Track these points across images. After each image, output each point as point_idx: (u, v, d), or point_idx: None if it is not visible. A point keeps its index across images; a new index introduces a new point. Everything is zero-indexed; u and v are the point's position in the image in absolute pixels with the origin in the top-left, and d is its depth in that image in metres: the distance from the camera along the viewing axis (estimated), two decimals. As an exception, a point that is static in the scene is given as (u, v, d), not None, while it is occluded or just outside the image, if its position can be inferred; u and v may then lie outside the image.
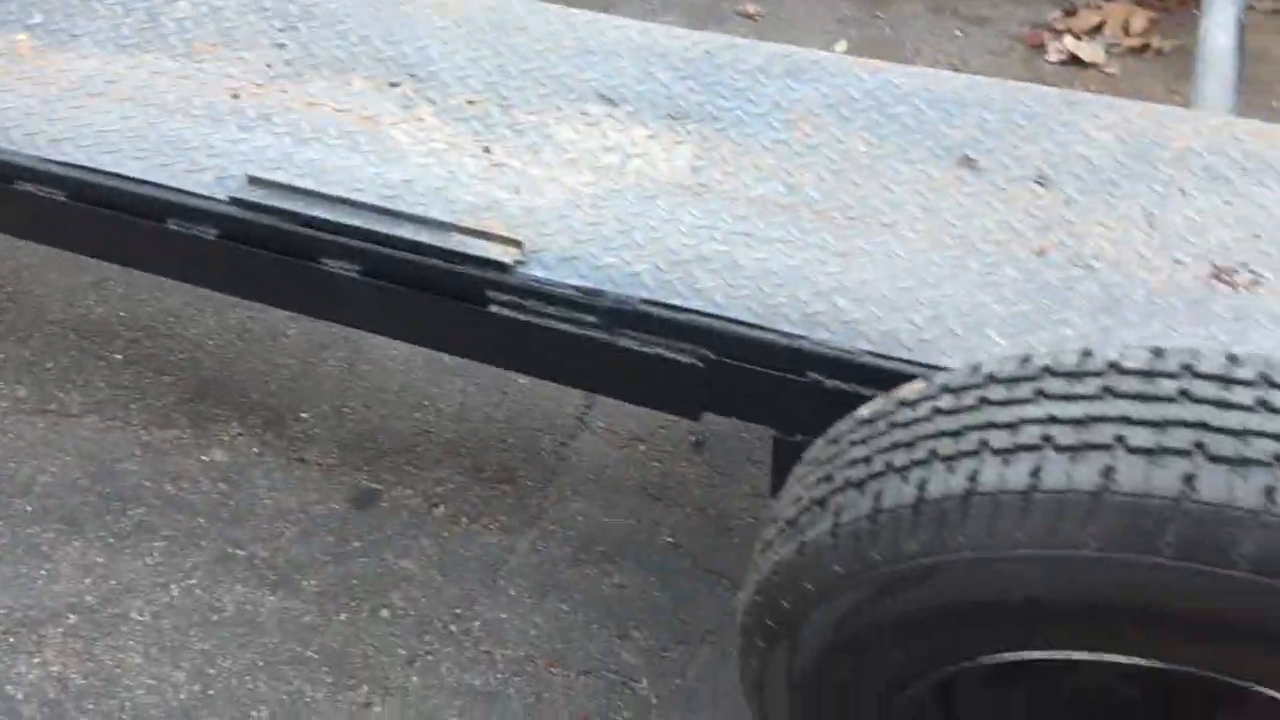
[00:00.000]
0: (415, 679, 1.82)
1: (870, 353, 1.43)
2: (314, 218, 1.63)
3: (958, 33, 3.20)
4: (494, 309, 1.56)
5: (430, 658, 1.85)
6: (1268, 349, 1.37)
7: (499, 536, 2.00)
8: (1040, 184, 1.64)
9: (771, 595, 1.22)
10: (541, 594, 1.92)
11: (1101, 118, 1.71)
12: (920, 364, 1.41)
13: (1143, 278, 1.49)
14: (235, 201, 1.67)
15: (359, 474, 2.11)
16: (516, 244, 1.57)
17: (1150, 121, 1.70)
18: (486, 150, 1.76)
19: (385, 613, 1.91)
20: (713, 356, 1.50)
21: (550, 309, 1.54)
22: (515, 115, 1.82)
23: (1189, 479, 0.95)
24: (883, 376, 1.41)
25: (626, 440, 2.14)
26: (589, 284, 1.53)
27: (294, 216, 1.64)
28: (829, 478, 1.19)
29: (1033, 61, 3.04)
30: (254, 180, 1.69)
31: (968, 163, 1.68)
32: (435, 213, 1.63)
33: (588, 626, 1.87)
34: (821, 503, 1.18)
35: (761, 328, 1.47)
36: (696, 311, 1.49)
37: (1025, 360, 1.13)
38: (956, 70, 2.90)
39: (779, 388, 1.49)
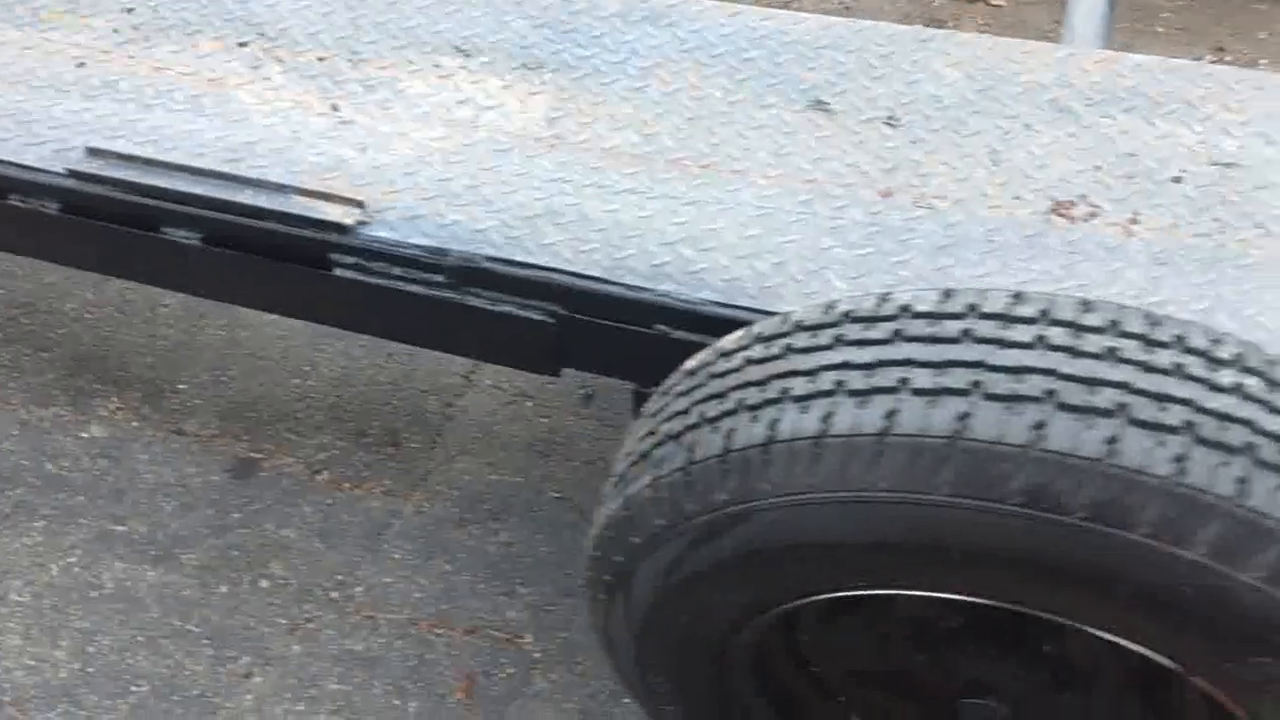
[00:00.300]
0: (296, 647, 1.85)
1: (714, 302, 1.45)
2: (152, 186, 1.61)
3: (856, -32, 3.19)
4: (337, 272, 1.56)
5: (311, 625, 1.87)
6: (1096, 281, 1.41)
7: (383, 501, 2.02)
8: (890, 125, 1.66)
9: (605, 550, 1.25)
10: (426, 556, 1.95)
11: (952, 55, 1.73)
12: (762, 311, 1.43)
13: (983, 216, 1.52)
14: (73, 174, 1.65)
15: (239, 444, 2.11)
16: (358, 204, 1.56)
17: (1000, 56, 1.72)
18: (335, 108, 1.74)
19: (265, 583, 1.93)
20: (563, 312, 1.51)
21: (395, 270, 1.54)
22: (366, 70, 1.80)
23: (963, 418, 0.99)
24: (726, 326, 1.43)
25: (513, 396, 2.16)
26: (434, 243, 1.53)
27: (132, 186, 1.62)
28: (653, 432, 1.22)
29: (923, -6, 3.05)
30: (92, 151, 1.66)
31: (821, 106, 1.70)
32: (277, 175, 1.62)
33: (473, 586, 1.90)
34: (645, 456, 1.20)
35: (608, 281, 1.49)
36: (544, 268, 1.50)
37: (829, 307, 1.15)
38: (848, 10, 2.91)
39: (631, 341, 1.51)
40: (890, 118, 1.67)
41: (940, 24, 2.83)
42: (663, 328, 1.48)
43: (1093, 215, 1.51)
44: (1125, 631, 1.05)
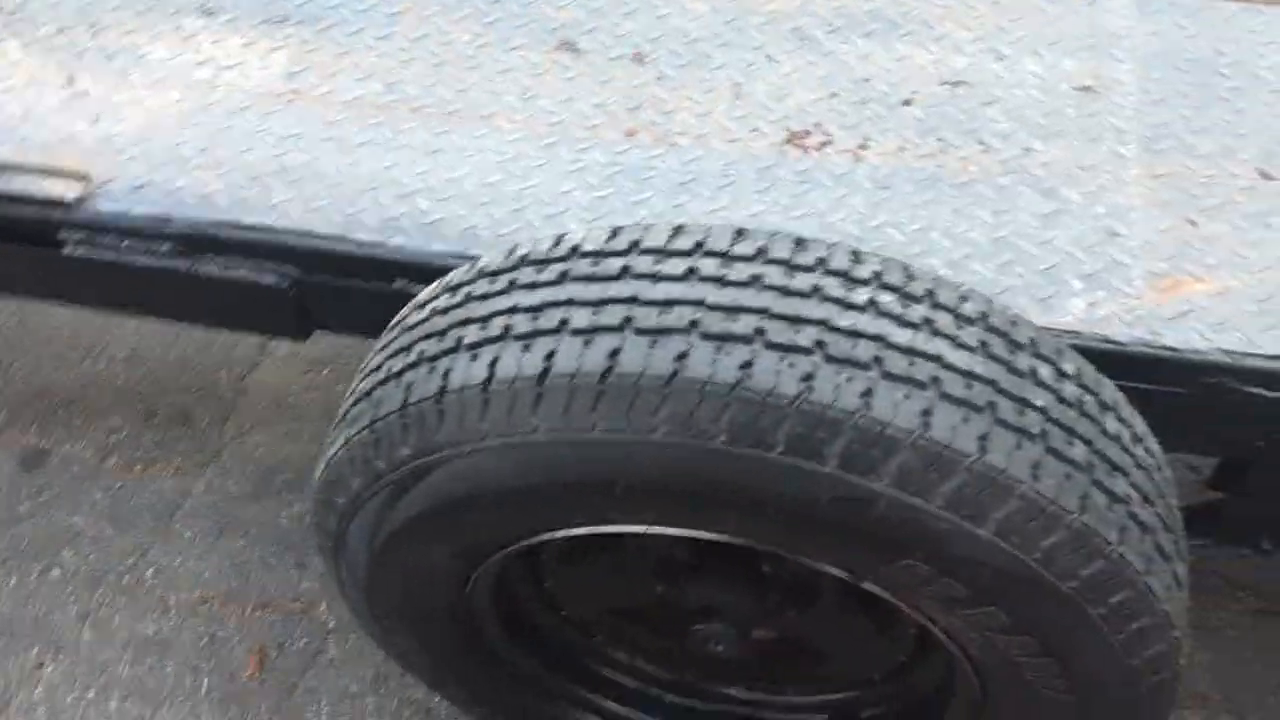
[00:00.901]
0: (87, 635, 1.86)
1: (448, 254, 1.48)
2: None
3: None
4: (67, 249, 1.56)
5: (103, 612, 1.89)
6: (821, 209, 1.46)
7: (175, 481, 2.03)
8: (637, 62, 1.69)
9: (320, 510, 1.28)
10: (218, 533, 1.97)
11: (700, -14, 1.76)
12: (495, 260, 1.47)
13: (722, 150, 1.56)
14: None
15: (28, 434, 2.10)
16: (83, 178, 1.56)
17: (746, -14, 1.75)
18: (71, 80, 1.72)
19: (56, 572, 1.94)
20: (299, 274, 1.53)
21: (123, 243, 1.54)
22: (106, 39, 1.78)
23: (614, 353, 1.03)
24: (462, 277, 1.46)
25: (309, 365, 2.17)
26: (159, 211, 1.53)
27: None
28: (352, 391, 1.25)
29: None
30: None
31: (569, 46, 1.72)
32: (5, 154, 1.60)
33: (265, 560, 1.93)
34: (343, 418, 1.23)
35: (339, 239, 1.50)
36: (272, 229, 1.51)
37: (510, 251, 1.19)
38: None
39: (374, 299, 1.53)
40: (638, 54, 1.70)
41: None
42: (403, 282, 1.50)
43: (825, 144, 1.56)
44: (792, 548, 1.11)
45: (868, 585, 1.12)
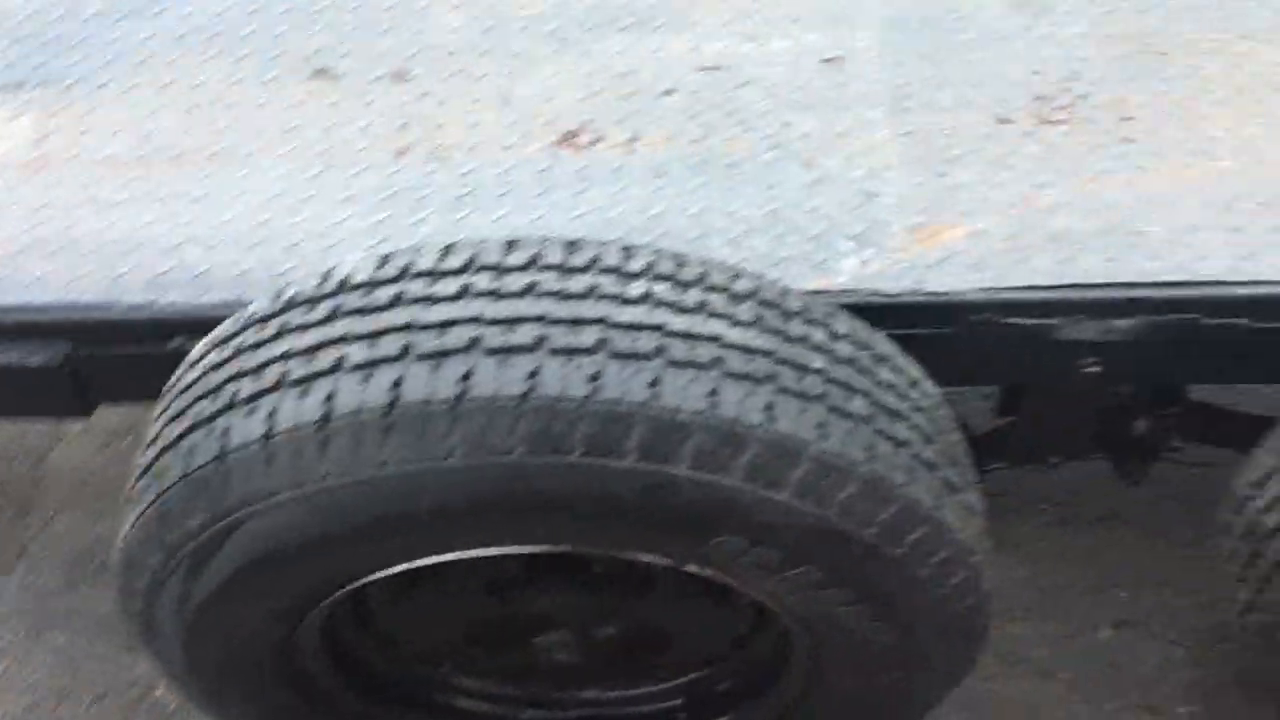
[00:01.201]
0: (-97, 769, 1.73)
1: (223, 304, 1.42)
2: None
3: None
4: None
5: (-81, 741, 1.75)
6: (601, 205, 1.49)
7: (-20, 585, 1.90)
8: (399, 80, 1.67)
9: (123, 596, 1.23)
10: (37, 633, 1.85)
11: (453, -1, 1.76)
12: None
13: (497, 159, 1.57)
14: None
15: None
16: None
17: (499, -7, 1.76)
18: None
19: None
20: (70, 349, 1.45)
21: None
22: None
23: (396, 384, 1.03)
24: (242, 325, 1.42)
25: (107, 438, 2.07)
26: (-95, 304, 1.43)
27: None
28: (137, 465, 1.19)
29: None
30: None
31: (325, 73, 1.69)
32: None
33: (92, 651, 1.83)
34: (130, 494, 1.19)
35: (106, 305, 1.43)
36: (33, 307, 1.43)
37: (278, 295, 1.16)
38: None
39: (154, 362, 1.45)
40: (399, 73, 1.68)
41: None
42: (180, 340, 1.44)
43: (597, 141, 1.58)
44: (610, 545, 1.13)
45: (691, 568, 1.16)
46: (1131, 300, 1.33)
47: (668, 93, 1.62)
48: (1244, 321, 1.32)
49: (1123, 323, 1.34)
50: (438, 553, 1.16)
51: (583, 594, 1.35)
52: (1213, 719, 1.71)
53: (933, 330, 1.37)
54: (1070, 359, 1.38)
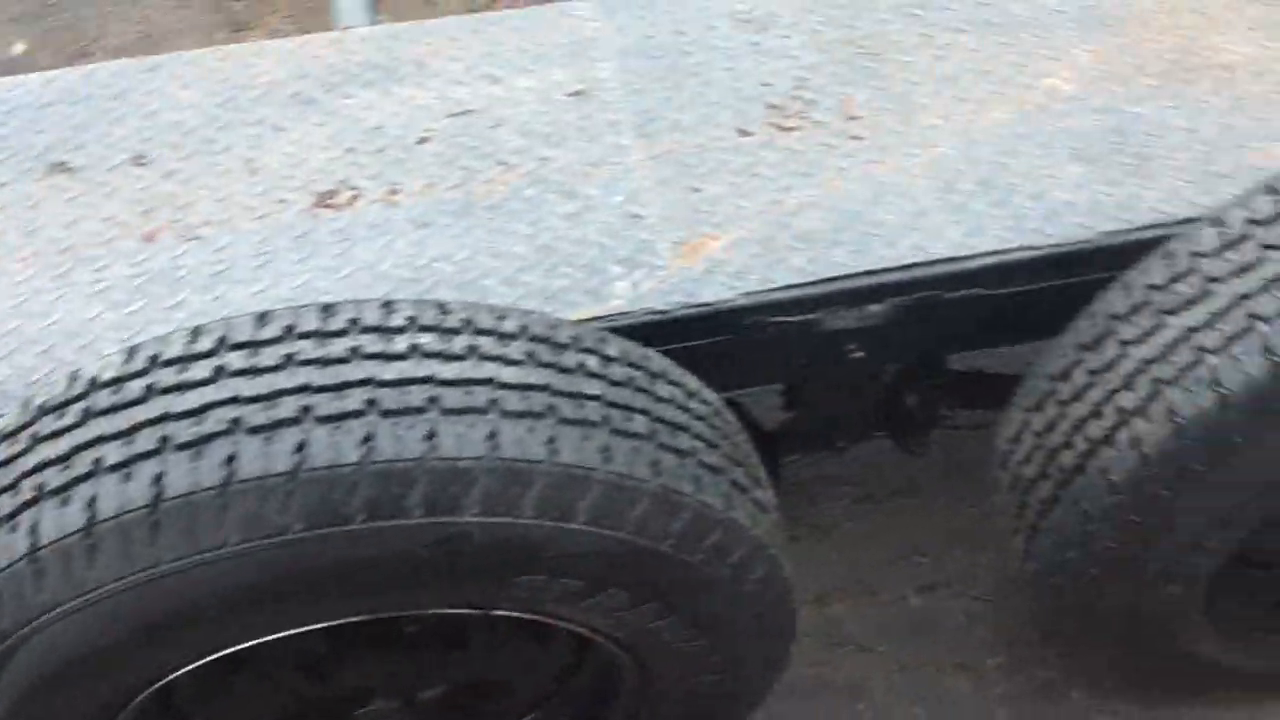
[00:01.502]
0: None
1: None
2: None
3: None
4: None
5: None
6: (368, 261, 1.47)
7: None
8: (139, 164, 1.60)
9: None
10: None
11: (185, 76, 1.71)
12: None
13: (250, 229, 1.53)
14: None
15: None
16: None
17: (234, 65, 1.73)
18: None
19: None
20: None
21: None
22: None
23: (158, 479, 0.99)
24: None
25: None
26: None
27: None
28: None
29: (221, 3, 2.96)
30: None
31: (61, 167, 1.60)
32: None
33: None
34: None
35: None
36: None
37: (26, 404, 1.11)
38: (148, 37, 2.79)
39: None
40: (137, 157, 1.62)
41: (245, 27, 2.78)
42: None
43: (355, 198, 1.56)
44: (410, 605, 1.12)
45: (500, 611, 1.15)
46: (878, 286, 1.42)
47: (421, 141, 1.62)
48: (978, 291, 1.43)
49: (875, 308, 1.43)
50: (233, 644, 1.11)
51: (399, 658, 1.32)
52: (1018, 666, 1.83)
53: (708, 340, 1.42)
54: (836, 348, 1.46)
